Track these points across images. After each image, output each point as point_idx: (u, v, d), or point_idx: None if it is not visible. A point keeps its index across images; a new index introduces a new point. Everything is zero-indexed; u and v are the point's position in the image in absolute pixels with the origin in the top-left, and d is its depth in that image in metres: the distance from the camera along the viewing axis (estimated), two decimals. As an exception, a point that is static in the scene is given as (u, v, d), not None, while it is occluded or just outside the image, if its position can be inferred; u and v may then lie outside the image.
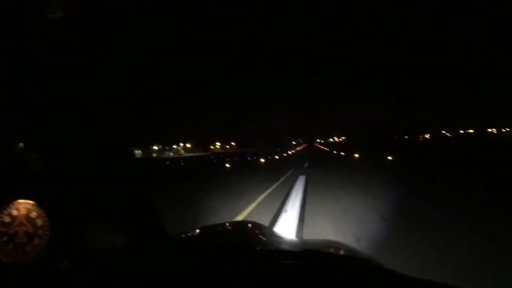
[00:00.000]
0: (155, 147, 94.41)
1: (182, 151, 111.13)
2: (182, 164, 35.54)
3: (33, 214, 0.84)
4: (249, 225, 1.96)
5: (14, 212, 0.83)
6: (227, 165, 25.47)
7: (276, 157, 38.70)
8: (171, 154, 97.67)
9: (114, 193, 0.96)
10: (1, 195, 0.83)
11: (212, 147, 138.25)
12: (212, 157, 57.33)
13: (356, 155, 28.85)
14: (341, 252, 1.43)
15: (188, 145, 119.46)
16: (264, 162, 29.93)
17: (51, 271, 0.82)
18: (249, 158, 38.97)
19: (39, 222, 0.84)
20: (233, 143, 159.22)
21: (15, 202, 0.83)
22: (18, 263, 0.80)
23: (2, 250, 0.80)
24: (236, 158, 42.73)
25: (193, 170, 24.72)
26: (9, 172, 0.92)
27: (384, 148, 37.11)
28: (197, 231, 1.62)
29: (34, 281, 0.80)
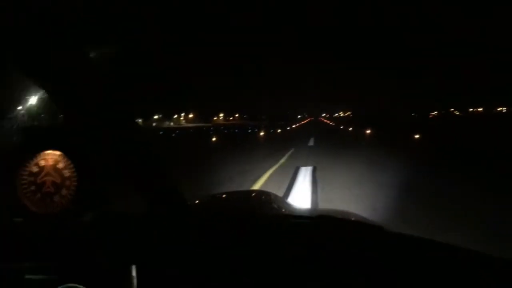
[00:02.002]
0: (156, 116, 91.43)
1: (184, 121, 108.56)
2: (173, 135, 32.81)
3: (60, 165, 0.86)
4: (263, 193, 1.98)
5: (42, 162, 0.85)
6: (213, 139, 22.13)
7: (279, 130, 36.46)
8: (172, 124, 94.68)
9: (133, 155, 0.94)
10: (29, 146, 0.86)
11: (215, 118, 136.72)
12: (211, 128, 57.93)
13: (368, 132, 25.24)
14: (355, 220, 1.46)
15: (190, 116, 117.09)
16: (263, 135, 26.85)
17: (76, 223, 0.85)
18: (249, 131, 39.28)
19: (66, 173, 0.85)
20: (237, 115, 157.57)
21: (42, 153, 0.85)
22: (46, 212, 0.83)
23: (30, 199, 0.82)
24: (236, 130, 42.96)
25: (170, 143, 21.29)
26: (37, 123, 0.97)
27: (400, 125, 33.27)
28: (211, 198, 1.82)
29: (60, 230, 0.82)
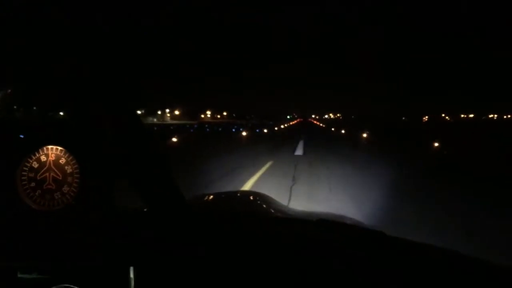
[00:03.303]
0: (139, 112, 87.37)
1: (168, 118, 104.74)
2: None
3: (62, 161, 0.84)
4: (257, 195, 1.95)
5: (43, 158, 0.83)
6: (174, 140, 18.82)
7: (265, 130, 33.64)
8: (155, 120, 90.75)
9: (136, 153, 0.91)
10: (30, 141, 0.85)
11: (202, 116, 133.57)
12: (196, 126, 55.85)
13: (365, 135, 22.15)
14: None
15: (177, 112, 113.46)
16: (244, 136, 23.76)
17: (78, 221, 0.83)
18: (233, 130, 37.53)
19: (68, 169, 0.83)
20: (225, 114, 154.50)
21: (44, 148, 0.83)
22: (46, 210, 0.81)
23: (30, 196, 0.81)
24: (220, 129, 42.12)
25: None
26: (39, 118, 1.01)
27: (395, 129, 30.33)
28: (206, 198, 1.75)
29: (57, 229, 0.81)
